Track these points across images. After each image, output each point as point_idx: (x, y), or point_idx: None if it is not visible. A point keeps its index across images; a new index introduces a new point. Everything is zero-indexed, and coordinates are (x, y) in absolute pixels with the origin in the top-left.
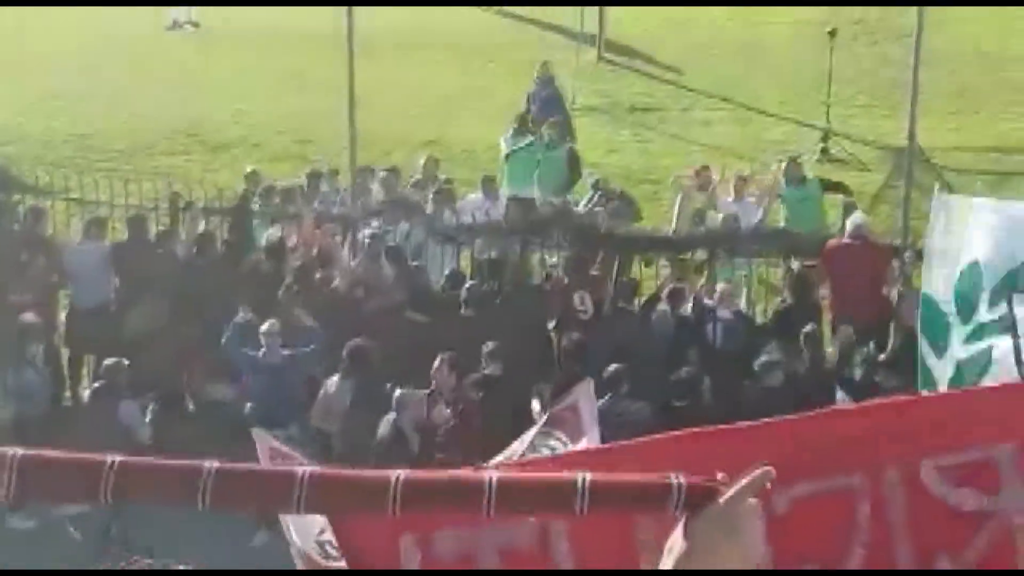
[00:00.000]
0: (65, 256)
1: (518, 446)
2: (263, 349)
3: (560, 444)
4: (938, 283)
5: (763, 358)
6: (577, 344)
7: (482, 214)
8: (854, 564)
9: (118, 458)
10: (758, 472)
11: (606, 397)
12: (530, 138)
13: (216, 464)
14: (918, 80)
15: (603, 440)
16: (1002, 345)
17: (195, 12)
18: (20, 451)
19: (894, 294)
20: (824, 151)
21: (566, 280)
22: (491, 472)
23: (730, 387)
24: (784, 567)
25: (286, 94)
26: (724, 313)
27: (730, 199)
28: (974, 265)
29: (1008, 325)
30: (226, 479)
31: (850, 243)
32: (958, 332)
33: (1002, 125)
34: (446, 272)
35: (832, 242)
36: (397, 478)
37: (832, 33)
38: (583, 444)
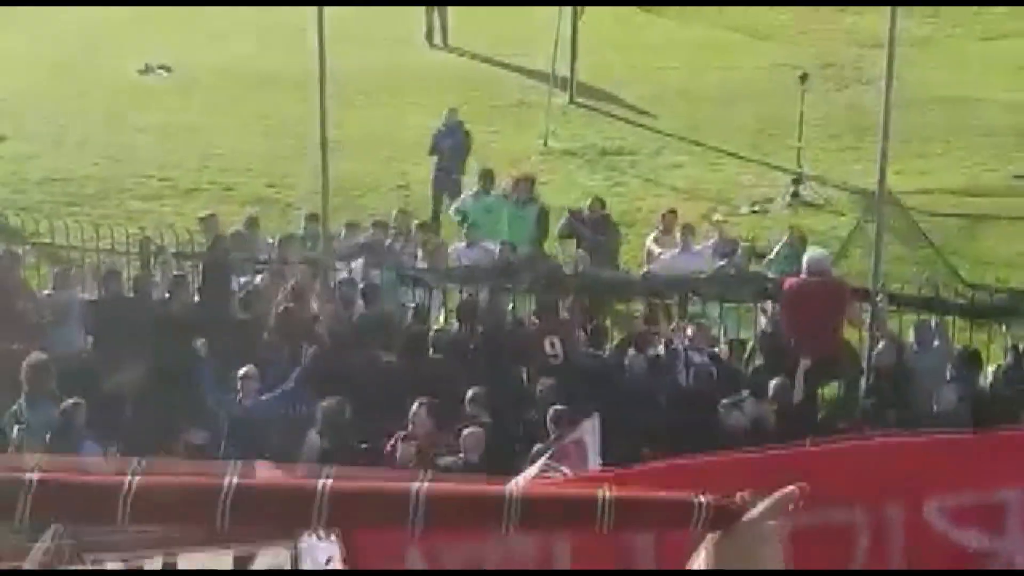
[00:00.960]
0: (37, 304)
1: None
2: (239, 394)
3: (563, 476)
4: None
5: (725, 400)
6: (550, 389)
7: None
8: None
9: (136, 479)
10: (781, 492)
11: (552, 436)
12: (493, 197)
13: (236, 479)
14: (889, 123)
15: None
16: None
17: (167, 55)
18: (36, 475)
19: (864, 336)
20: (795, 195)
21: (536, 324)
22: (512, 487)
23: (698, 430)
24: None
25: (258, 137)
26: (696, 356)
27: (677, 250)
28: None
29: None
30: (245, 495)
31: (808, 280)
32: None
33: (972, 168)
34: (411, 307)
35: (791, 280)
36: (418, 491)
37: (803, 77)
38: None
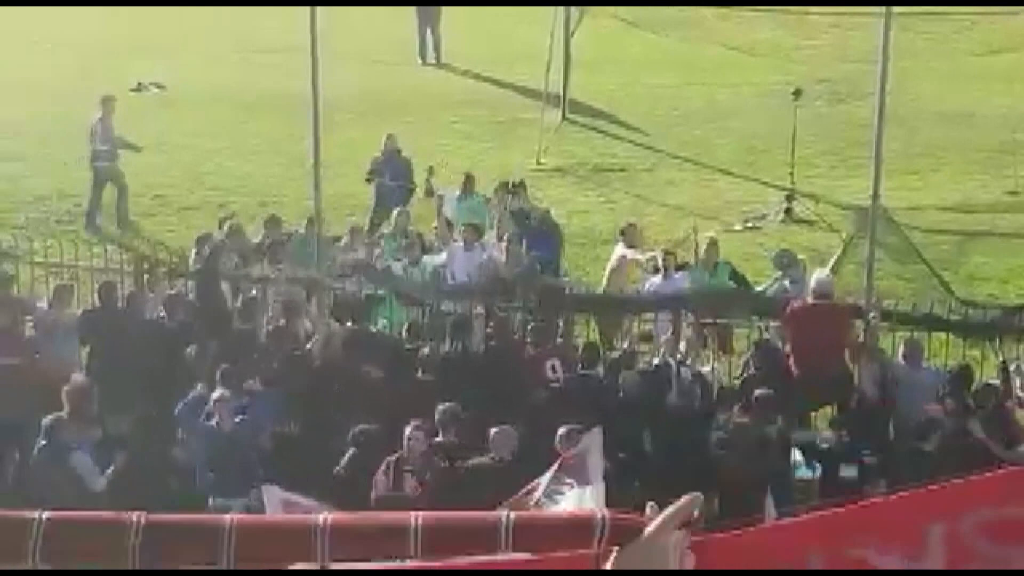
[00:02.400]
0: (33, 322)
1: (537, 492)
2: (215, 418)
3: (569, 488)
4: None
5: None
6: (549, 410)
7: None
8: None
9: (144, 517)
10: (682, 501)
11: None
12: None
13: (236, 517)
14: (882, 139)
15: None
16: None
17: (160, 75)
18: (47, 514)
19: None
20: (788, 211)
21: (535, 347)
22: (414, 517)
23: (684, 449)
24: None
25: (250, 156)
26: (685, 373)
27: (657, 277)
28: None
29: None
30: (248, 533)
31: (814, 303)
32: None
33: (966, 184)
34: (405, 326)
35: (796, 302)
36: (416, 521)
37: (796, 93)
38: (589, 490)
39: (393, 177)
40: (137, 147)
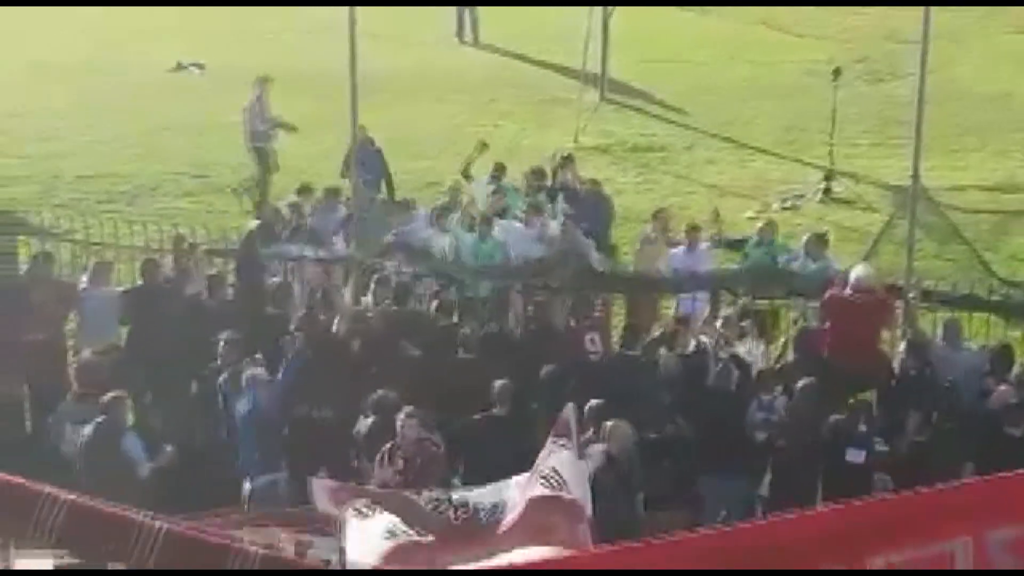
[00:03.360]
0: (72, 299)
1: (542, 455)
2: (252, 395)
3: (560, 447)
4: None
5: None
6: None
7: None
8: None
9: (165, 525)
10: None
11: (590, 432)
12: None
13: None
14: (922, 118)
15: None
16: None
17: (200, 54)
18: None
19: (897, 336)
20: (827, 190)
21: (573, 322)
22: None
23: (721, 431)
24: None
25: (291, 135)
26: (723, 355)
27: (680, 249)
28: None
29: None
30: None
31: (852, 296)
32: None
33: (1006, 163)
34: (435, 303)
35: (834, 293)
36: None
37: (836, 72)
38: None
39: (367, 170)
40: (293, 127)
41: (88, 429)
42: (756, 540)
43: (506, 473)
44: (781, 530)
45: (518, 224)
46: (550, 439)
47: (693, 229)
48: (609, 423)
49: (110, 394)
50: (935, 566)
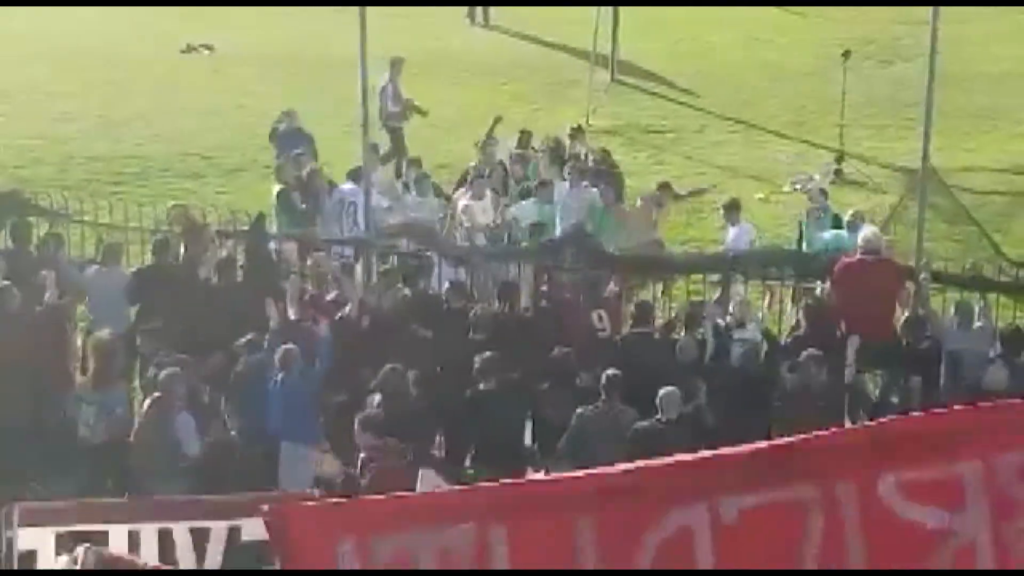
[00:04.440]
0: (83, 281)
1: None
2: (281, 374)
3: None
4: None
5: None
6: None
7: None
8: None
9: None
10: None
11: (600, 401)
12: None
13: None
14: (932, 101)
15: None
16: None
17: (210, 36)
18: None
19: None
20: (838, 172)
21: (581, 300)
22: None
23: (743, 410)
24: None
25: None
26: (740, 335)
27: (732, 230)
28: None
29: None
30: None
31: (863, 259)
32: None
33: (1017, 145)
34: (446, 285)
35: (844, 259)
36: None
37: (845, 55)
38: None
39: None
40: (423, 111)
41: (145, 406)
42: (777, 452)
43: (493, 446)
44: (801, 445)
45: (565, 184)
46: None
47: (730, 208)
48: (661, 392)
49: (165, 371)
50: (944, 488)
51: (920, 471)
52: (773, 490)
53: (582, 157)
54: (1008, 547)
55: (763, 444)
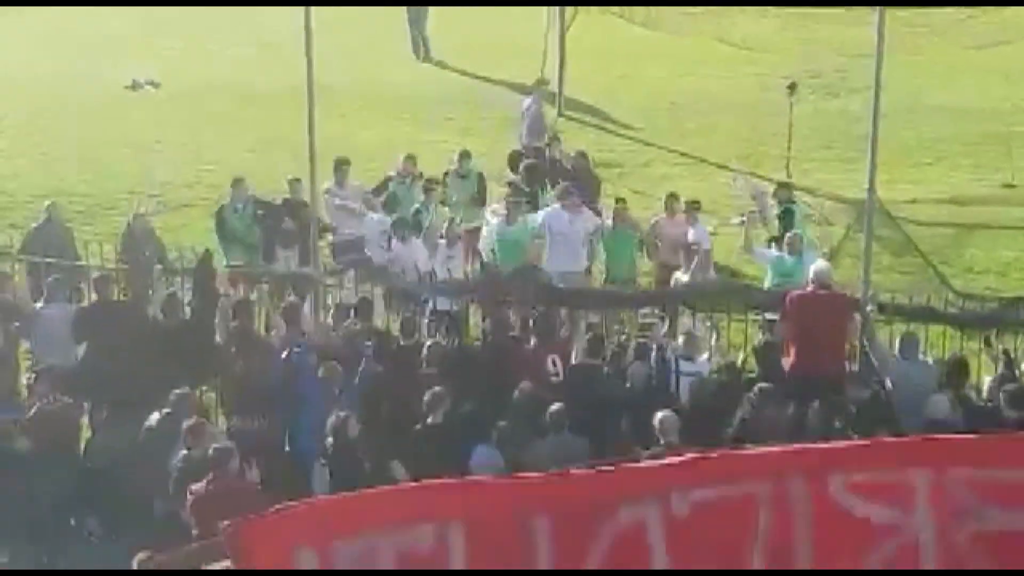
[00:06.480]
0: (28, 318)
1: None
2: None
3: None
4: None
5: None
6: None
7: None
8: (755, 566)
9: None
10: None
11: (550, 435)
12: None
13: None
14: (877, 133)
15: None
16: None
17: (155, 72)
18: None
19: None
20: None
21: (534, 342)
22: None
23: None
24: (681, 568)
25: (247, 152)
26: (687, 367)
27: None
28: None
29: None
30: None
31: (814, 293)
32: None
33: (962, 177)
34: (399, 320)
35: (796, 292)
36: None
37: (791, 87)
38: None
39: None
40: (557, 137)
41: (152, 420)
42: (731, 454)
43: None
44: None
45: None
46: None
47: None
48: (659, 415)
49: (176, 391)
50: (894, 490)
51: (871, 473)
52: (725, 485)
53: (562, 164)
54: (954, 549)
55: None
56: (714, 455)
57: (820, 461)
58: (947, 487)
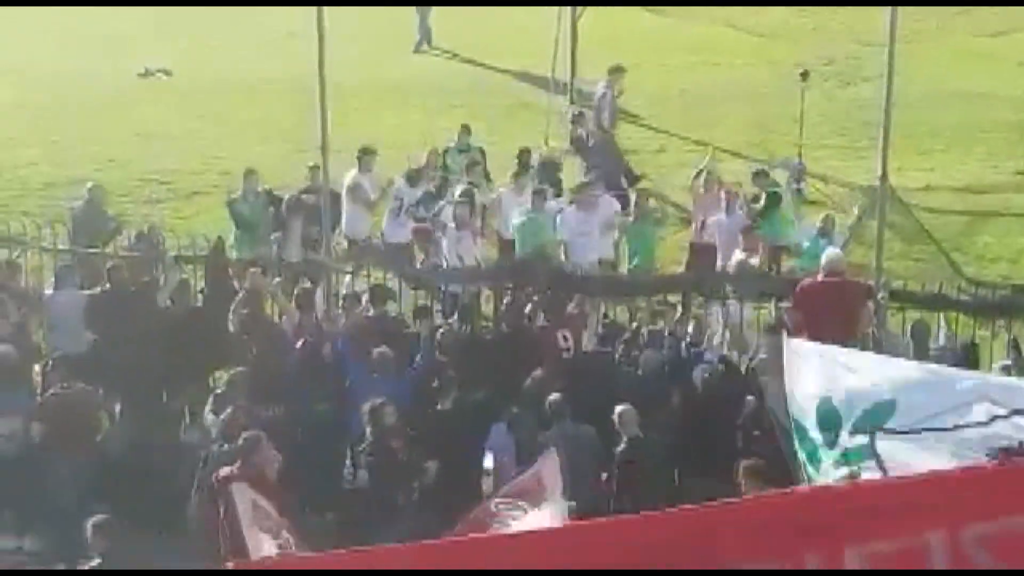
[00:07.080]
0: (41, 306)
1: (482, 514)
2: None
3: (522, 512)
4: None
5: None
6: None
7: None
8: None
9: None
10: None
11: (552, 427)
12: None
13: None
14: (890, 120)
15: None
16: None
17: (167, 61)
18: None
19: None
20: (797, 192)
21: (546, 321)
22: None
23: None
24: None
25: (258, 142)
26: (702, 355)
27: (722, 215)
28: (827, 400)
29: (871, 454)
30: None
31: (825, 281)
32: (827, 456)
33: (975, 164)
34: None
35: (807, 280)
36: None
37: (804, 75)
38: (546, 510)
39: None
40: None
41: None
42: (737, 517)
43: (451, 464)
44: (760, 510)
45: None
46: (500, 500)
47: (730, 192)
48: (617, 409)
49: (234, 371)
50: (910, 559)
51: (887, 542)
52: (740, 562)
53: (584, 138)
54: None
55: (727, 512)
56: (728, 524)
57: (837, 532)
58: (961, 548)
